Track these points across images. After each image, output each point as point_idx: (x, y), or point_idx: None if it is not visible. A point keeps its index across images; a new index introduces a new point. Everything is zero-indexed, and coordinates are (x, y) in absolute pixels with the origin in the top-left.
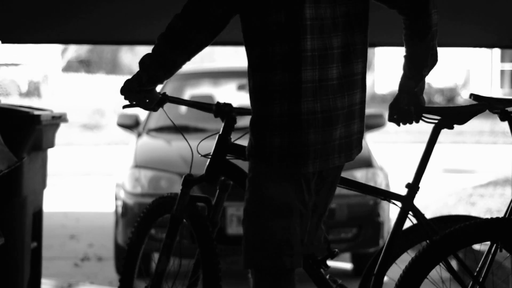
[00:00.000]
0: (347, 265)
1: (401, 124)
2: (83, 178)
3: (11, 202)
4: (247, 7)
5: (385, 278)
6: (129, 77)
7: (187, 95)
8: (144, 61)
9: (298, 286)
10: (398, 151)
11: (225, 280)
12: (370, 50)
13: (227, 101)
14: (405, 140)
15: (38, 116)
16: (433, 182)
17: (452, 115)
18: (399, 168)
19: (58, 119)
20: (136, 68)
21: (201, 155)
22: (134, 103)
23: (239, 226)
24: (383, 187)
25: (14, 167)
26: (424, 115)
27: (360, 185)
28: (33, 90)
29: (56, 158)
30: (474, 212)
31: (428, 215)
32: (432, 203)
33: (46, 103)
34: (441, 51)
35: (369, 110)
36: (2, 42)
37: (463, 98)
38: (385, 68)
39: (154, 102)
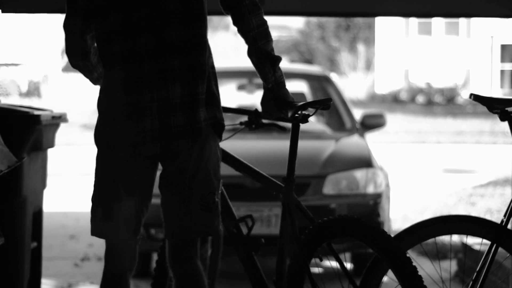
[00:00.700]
0: (347, 265)
1: (274, 117)
2: (83, 178)
3: (11, 202)
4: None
5: (385, 278)
6: None
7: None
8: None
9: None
10: (398, 151)
11: (225, 280)
12: (370, 50)
13: (227, 101)
14: (405, 140)
15: (38, 116)
16: (433, 182)
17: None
18: (399, 168)
19: (58, 119)
20: None
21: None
22: None
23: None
24: (383, 187)
25: (14, 167)
26: (282, 110)
27: (245, 166)
28: (33, 90)
29: (56, 158)
30: (474, 212)
31: (428, 215)
32: (432, 203)
33: (46, 103)
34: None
35: (369, 110)
36: (3, 12)
37: (463, 98)
38: (385, 68)
39: None
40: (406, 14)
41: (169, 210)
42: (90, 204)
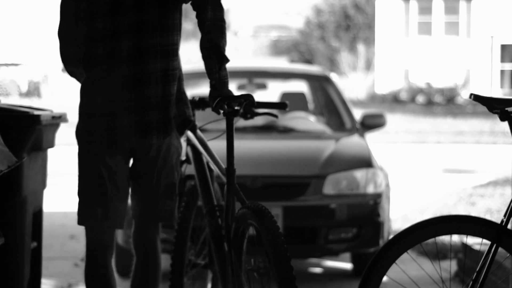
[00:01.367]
0: (347, 265)
1: (222, 114)
2: None
3: (11, 202)
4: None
5: (385, 278)
6: None
7: (187, 95)
8: None
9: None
10: (398, 151)
11: None
12: (370, 50)
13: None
14: (405, 140)
15: (38, 116)
16: (433, 182)
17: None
18: (399, 168)
19: (58, 119)
20: None
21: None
22: None
23: None
24: (383, 187)
25: (14, 167)
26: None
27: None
28: (33, 90)
29: (56, 158)
30: (474, 212)
31: (428, 215)
32: (432, 203)
33: (46, 103)
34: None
35: (369, 110)
36: None
37: (463, 98)
38: (385, 68)
39: None
40: None
41: (137, 197)
42: (77, 197)
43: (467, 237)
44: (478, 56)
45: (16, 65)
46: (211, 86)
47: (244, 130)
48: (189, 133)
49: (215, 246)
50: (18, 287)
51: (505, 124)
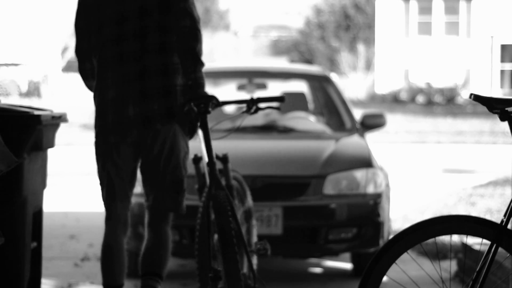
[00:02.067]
0: (347, 265)
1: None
2: (83, 178)
3: (11, 202)
4: None
5: (385, 278)
6: None
7: None
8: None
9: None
10: (398, 151)
11: None
12: (370, 50)
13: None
14: (405, 140)
15: (38, 116)
16: (433, 182)
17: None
18: (399, 168)
19: (58, 119)
20: None
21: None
22: None
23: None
24: (383, 187)
25: (14, 167)
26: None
27: None
28: (33, 90)
29: (56, 158)
30: (474, 212)
31: (428, 215)
32: (432, 203)
33: (46, 103)
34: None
35: (369, 110)
36: None
37: (463, 98)
38: (385, 68)
39: None
40: None
41: (148, 191)
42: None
43: (467, 237)
44: (478, 56)
45: (16, 65)
46: (188, 86)
47: (244, 130)
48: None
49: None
50: (18, 287)
51: (505, 124)
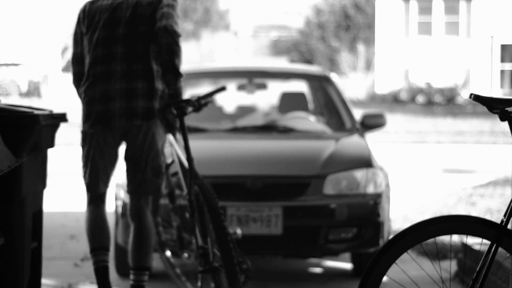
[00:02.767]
0: (347, 265)
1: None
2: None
3: (11, 202)
4: None
5: (385, 278)
6: None
7: (187, 95)
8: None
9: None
10: (398, 151)
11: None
12: (370, 50)
13: (227, 101)
14: (405, 140)
15: (38, 116)
16: (433, 182)
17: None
18: (399, 168)
19: (58, 119)
20: None
21: None
22: None
23: (239, 226)
24: (383, 187)
25: (14, 167)
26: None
27: None
28: (33, 90)
29: (56, 158)
30: (474, 212)
31: (428, 215)
32: (432, 203)
33: (46, 103)
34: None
35: (369, 110)
36: None
37: (463, 98)
38: (385, 68)
39: None
40: None
41: (131, 177)
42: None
43: (467, 237)
44: (478, 56)
45: (16, 65)
46: (169, 95)
47: (244, 130)
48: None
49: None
50: (18, 287)
51: (505, 124)
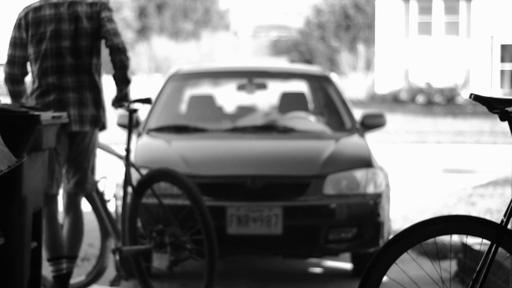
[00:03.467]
0: (347, 265)
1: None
2: None
3: (11, 202)
4: None
5: (385, 278)
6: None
7: (187, 95)
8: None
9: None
10: (398, 151)
11: (225, 280)
12: (370, 50)
13: (227, 101)
14: (405, 140)
15: (38, 116)
16: (433, 182)
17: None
18: (399, 168)
19: (58, 119)
20: (136, 68)
21: None
22: None
23: (239, 226)
24: (383, 187)
25: (14, 167)
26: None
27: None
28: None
29: None
30: (474, 212)
31: (428, 215)
32: (432, 203)
33: None
34: (442, 51)
35: (369, 110)
36: None
37: (463, 98)
38: (385, 68)
39: None
40: None
41: (72, 174)
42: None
43: (467, 237)
44: (478, 56)
45: None
46: (119, 97)
47: (244, 130)
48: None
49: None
50: (18, 287)
51: (505, 124)
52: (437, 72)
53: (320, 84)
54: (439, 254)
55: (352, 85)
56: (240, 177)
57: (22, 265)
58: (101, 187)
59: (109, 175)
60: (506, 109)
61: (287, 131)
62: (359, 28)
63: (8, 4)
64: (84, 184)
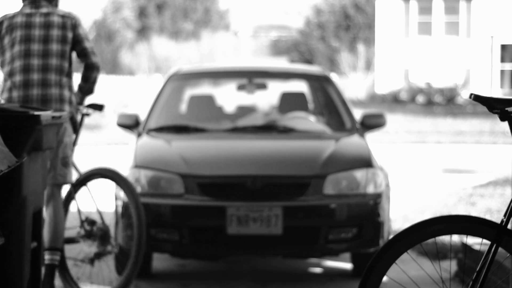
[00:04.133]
0: (347, 265)
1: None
2: None
3: (11, 202)
4: None
5: (385, 278)
6: (129, 77)
7: (187, 95)
8: None
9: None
10: (398, 151)
11: (225, 280)
12: (370, 50)
13: (227, 101)
14: (405, 140)
15: (38, 116)
16: (433, 182)
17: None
18: (399, 168)
19: (58, 119)
20: (136, 68)
21: None
22: None
23: (239, 226)
24: (383, 187)
25: (14, 167)
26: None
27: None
28: None
29: None
30: (474, 212)
31: (428, 215)
32: (432, 203)
33: None
34: (442, 51)
35: (369, 110)
36: None
37: (463, 98)
38: (385, 68)
39: None
40: None
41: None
42: None
43: (467, 237)
44: (478, 56)
45: None
46: (77, 103)
47: (244, 130)
48: None
49: None
50: (18, 287)
51: (505, 124)
52: (437, 72)
53: (320, 84)
54: (439, 254)
55: (352, 85)
56: (240, 177)
57: (22, 265)
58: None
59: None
60: (506, 109)
61: (287, 131)
62: (359, 28)
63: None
64: (53, 173)
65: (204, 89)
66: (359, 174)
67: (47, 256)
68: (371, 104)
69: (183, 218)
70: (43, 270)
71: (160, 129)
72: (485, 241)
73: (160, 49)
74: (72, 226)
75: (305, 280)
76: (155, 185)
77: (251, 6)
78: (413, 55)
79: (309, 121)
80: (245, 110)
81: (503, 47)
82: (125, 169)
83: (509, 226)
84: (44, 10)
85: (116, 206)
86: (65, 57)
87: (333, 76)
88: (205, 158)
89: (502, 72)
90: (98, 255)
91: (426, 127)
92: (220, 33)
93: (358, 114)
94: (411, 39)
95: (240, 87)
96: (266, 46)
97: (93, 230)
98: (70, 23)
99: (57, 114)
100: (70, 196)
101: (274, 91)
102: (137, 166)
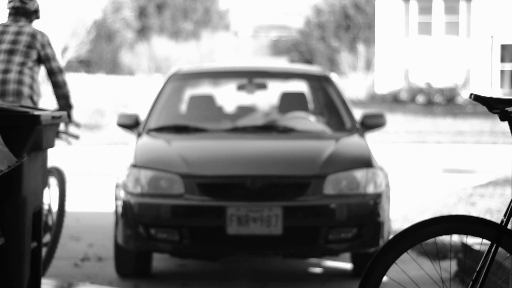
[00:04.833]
0: (347, 265)
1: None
2: (83, 178)
3: (11, 202)
4: None
5: (385, 278)
6: (129, 77)
7: (187, 95)
8: None
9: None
10: (398, 151)
11: (225, 280)
12: (370, 50)
13: (227, 101)
14: (405, 140)
15: (38, 116)
16: (433, 182)
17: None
18: (399, 168)
19: (58, 119)
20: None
21: None
22: None
23: (239, 226)
24: (383, 187)
25: (14, 167)
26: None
27: None
28: None
29: (56, 158)
30: (474, 212)
31: (428, 215)
32: (432, 203)
33: (46, 103)
34: (442, 51)
35: (369, 110)
36: None
37: (463, 98)
38: (385, 68)
39: None
40: None
41: None
42: None
43: (467, 237)
44: (478, 56)
45: None
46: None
47: (244, 130)
48: None
49: None
50: (18, 287)
51: (505, 124)
52: (437, 72)
53: (320, 84)
54: (439, 254)
55: (352, 85)
56: (240, 177)
57: (22, 265)
58: None
59: (110, 175)
60: (506, 109)
61: (287, 131)
62: (359, 28)
63: None
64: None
65: (204, 89)
66: (359, 174)
67: None
68: (371, 104)
69: (183, 218)
70: None
71: (160, 129)
72: (485, 241)
73: (160, 49)
74: None
75: (305, 280)
76: (155, 185)
77: (251, 6)
78: (413, 55)
79: (309, 121)
80: (245, 110)
81: (503, 47)
82: (125, 169)
83: (509, 226)
84: (21, 23)
85: (116, 206)
86: (29, 56)
87: (333, 76)
88: (205, 158)
89: (502, 72)
90: None
91: (426, 127)
92: (220, 33)
93: (358, 114)
94: (411, 39)
95: (240, 87)
96: (266, 46)
97: None
98: (40, 38)
99: (57, 114)
100: None
101: (274, 91)
102: (137, 166)
